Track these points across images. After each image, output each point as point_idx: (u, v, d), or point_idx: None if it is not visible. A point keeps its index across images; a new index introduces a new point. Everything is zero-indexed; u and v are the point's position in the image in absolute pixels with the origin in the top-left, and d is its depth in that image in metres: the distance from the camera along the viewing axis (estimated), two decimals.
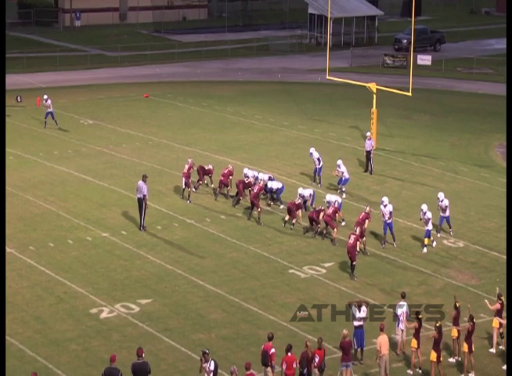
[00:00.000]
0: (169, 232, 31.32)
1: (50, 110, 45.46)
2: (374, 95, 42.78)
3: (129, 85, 58.41)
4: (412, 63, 42.77)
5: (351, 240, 27.47)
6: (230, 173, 34.68)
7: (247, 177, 34.02)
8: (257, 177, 34.17)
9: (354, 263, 27.49)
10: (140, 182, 31.50)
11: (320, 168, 36.37)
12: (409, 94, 41.69)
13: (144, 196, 31.13)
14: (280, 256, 29.33)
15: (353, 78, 49.68)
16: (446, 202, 31.06)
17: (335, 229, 30.27)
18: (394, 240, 30.17)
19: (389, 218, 30.00)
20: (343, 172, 34.73)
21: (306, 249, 29.98)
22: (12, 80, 55.13)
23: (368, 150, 38.26)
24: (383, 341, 21.70)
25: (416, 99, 47.63)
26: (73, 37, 76.14)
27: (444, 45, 72.30)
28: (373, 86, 43.28)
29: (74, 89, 56.83)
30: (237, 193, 33.82)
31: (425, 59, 63.31)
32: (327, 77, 46.32)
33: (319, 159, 36.31)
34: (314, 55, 69.14)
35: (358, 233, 28.06)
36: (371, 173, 37.92)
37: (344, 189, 34.97)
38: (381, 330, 21.94)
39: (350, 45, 70.51)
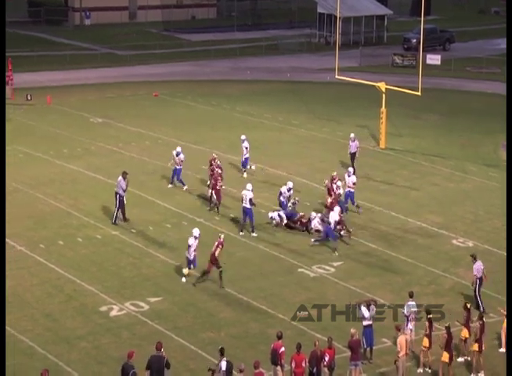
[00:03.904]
0: (178, 230, 31.32)
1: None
2: (383, 95, 42.73)
3: (138, 84, 58.44)
4: (421, 63, 42.75)
5: (213, 248, 26.66)
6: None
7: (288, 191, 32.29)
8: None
9: (219, 270, 26.73)
10: (119, 178, 31.64)
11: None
12: (419, 93, 41.64)
13: (124, 191, 31.35)
14: (289, 255, 29.31)
15: (362, 78, 49.56)
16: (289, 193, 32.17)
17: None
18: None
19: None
20: (354, 183, 32.91)
21: (315, 248, 29.95)
22: (22, 78, 55.21)
23: (353, 151, 37.76)
24: (403, 341, 21.64)
25: (425, 99, 47.52)
26: (83, 36, 76.20)
27: (453, 44, 72.19)
28: (382, 86, 43.22)
29: (84, 88, 56.89)
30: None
31: (434, 59, 63.18)
32: (336, 76, 46.30)
33: (247, 148, 37.05)
34: (323, 54, 69.04)
35: (222, 238, 26.94)
36: (354, 173, 37.17)
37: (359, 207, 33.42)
38: (398, 330, 21.88)
39: (359, 45, 70.43)
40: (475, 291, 25.48)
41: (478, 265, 25.53)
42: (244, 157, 37.40)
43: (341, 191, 32.27)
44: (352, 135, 38.27)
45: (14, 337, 23.51)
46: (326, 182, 32.48)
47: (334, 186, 31.94)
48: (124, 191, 31.64)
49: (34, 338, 23.50)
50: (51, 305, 25.51)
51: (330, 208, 30.77)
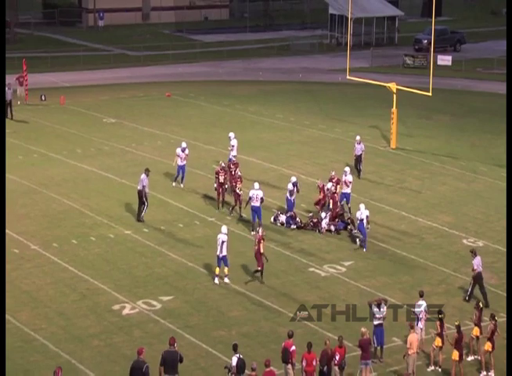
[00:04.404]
0: (190, 230, 31.35)
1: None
2: (394, 95, 42.66)
3: (151, 85, 58.54)
4: (432, 64, 42.60)
5: (255, 245, 26.80)
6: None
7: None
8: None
9: (259, 269, 26.88)
10: (142, 175, 31.74)
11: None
12: (429, 94, 41.52)
13: (143, 187, 31.41)
14: (300, 254, 29.29)
15: (373, 78, 49.51)
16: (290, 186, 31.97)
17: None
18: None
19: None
20: (350, 182, 32.77)
21: (326, 248, 29.93)
22: (36, 79, 55.38)
23: (358, 154, 37.36)
24: (413, 339, 21.62)
25: (436, 100, 47.44)
26: (97, 37, 76.39)
27: (464, 45, 71.99)
28: (393, 86, 43.15)
29: (97, 88, 57.01)
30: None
31: (445, 60, 63.00)
32: (347, 77, 46.27)
33: (233, 146, 37.26)
34: (334, 55, 69.04)
35: (260, 233, 27.03)
36: (359, 178, 36.58)
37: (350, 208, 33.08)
38: (411, 327, 21.87)
39: (370, 46, 70.34)
40: (471, 285, 25.45)
41: (478, 260, 25.55)
42: (231, 154, 37.17)
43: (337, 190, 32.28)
44: (358, 137, 37.92)
45: (28, 335, 23.60)
46: (318, 182, 32.49)
47: (329, 186, 31.91)
48: (144, 186, 31.48)
49: (47, 337, 23.56)
50: (64, 304, 25.56)
51: (319, 205, 31.73)
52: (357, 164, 37.42)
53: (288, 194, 32.06)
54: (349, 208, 32.38)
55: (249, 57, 69.58)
